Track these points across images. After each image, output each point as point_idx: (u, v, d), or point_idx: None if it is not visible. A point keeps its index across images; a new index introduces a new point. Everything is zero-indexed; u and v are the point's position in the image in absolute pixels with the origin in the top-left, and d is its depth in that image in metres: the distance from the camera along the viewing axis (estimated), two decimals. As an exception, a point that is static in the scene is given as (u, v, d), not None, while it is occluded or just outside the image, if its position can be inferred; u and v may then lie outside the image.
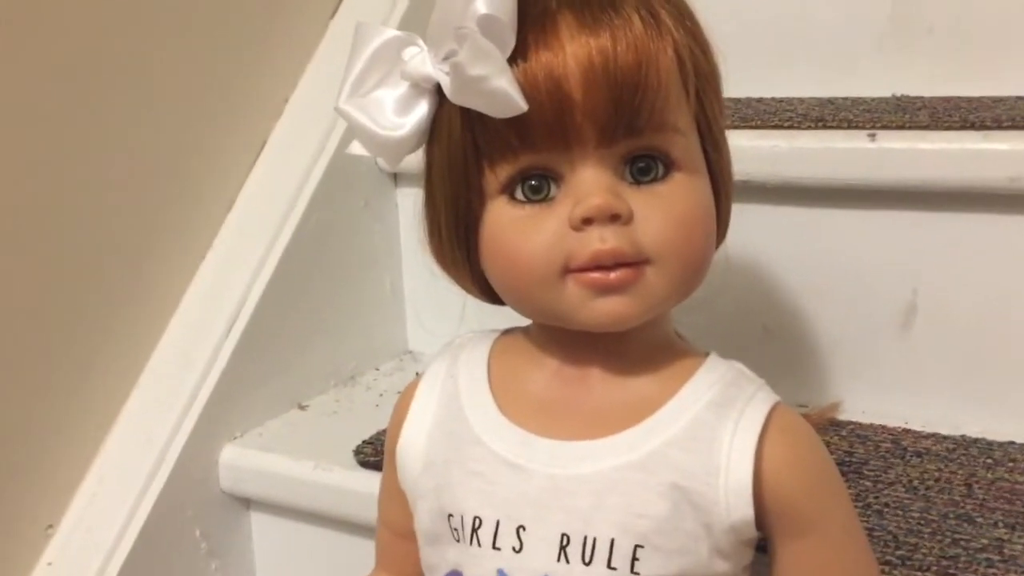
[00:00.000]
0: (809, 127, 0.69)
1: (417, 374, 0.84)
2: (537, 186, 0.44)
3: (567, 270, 0.43)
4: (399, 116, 0.45)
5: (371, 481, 0.64)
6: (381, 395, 0.79)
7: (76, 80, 0.68)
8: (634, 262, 0.43)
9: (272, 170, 0.80)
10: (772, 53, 0.86)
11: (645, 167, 0.44)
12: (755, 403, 0.45)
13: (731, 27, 0.79)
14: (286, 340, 0.77)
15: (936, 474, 0.61)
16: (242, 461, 0.71)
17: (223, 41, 0.77)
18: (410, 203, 0.84)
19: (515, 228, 0.44)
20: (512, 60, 0.42)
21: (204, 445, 0.71)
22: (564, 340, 0.47)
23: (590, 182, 0.43)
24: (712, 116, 0.46)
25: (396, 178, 0.85)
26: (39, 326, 0.67)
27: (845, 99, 0.80)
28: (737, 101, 0.82)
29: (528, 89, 0.42)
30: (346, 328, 0.83)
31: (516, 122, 0.42)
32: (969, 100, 0.75)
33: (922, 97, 0.78)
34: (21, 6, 0.65)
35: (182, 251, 0.75)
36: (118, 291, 0.71)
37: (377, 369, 0.84)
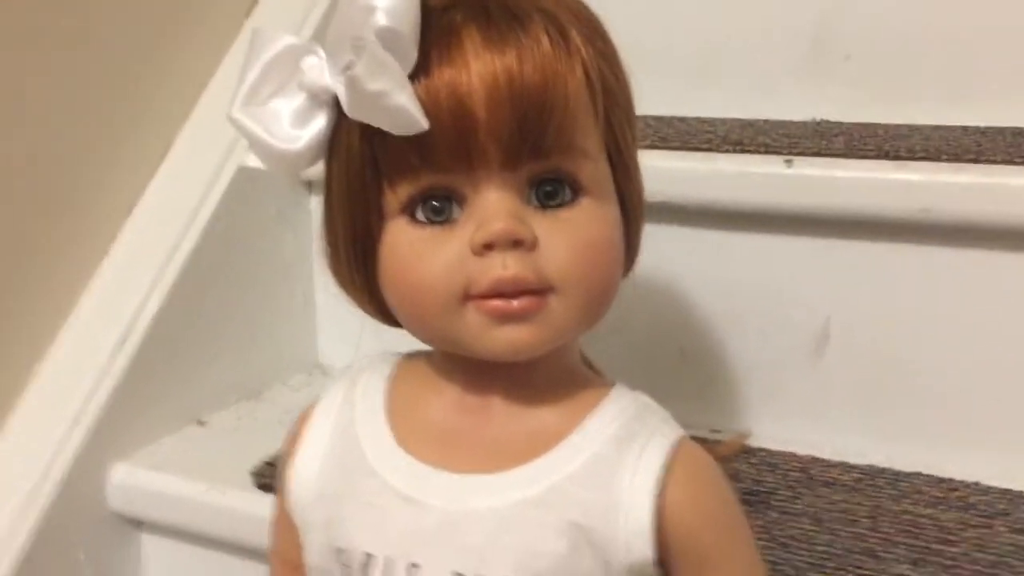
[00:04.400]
0: (727, 150, 0.69)
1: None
2: (439, 207, 0.42)
3: (467, 296, 0.41)
4: (295, 128, 0.43)
5: (269, 504, 0.61)
6: (287, 412, 0.76)
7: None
8: (537, 290, 0.41)
9: (177, 173, 0.77)
10: (694, 72, 0.86)
11: (552, 191, 0.42)
12: (657, 438, 0.43)
13: (654, 44, 0.80)
14: (187, 352, 0.74)
15: (843, 505, 0.60)
16: (132, 480, 0.67)
17: (129, 33, 0.74)
18: (324, 212, 0.81)
19: (414, 251, 0.42)
20: (414, 76, 0.40)
21: (92, 462, 0.67)
22: (466, 367, 0.45)
23: (493, 205, 0.41)
24: (623, 140, 0.45)
25: (311, 186, 0.83)
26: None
27: (765, 122, 0.80)
28: (659, 119, 0.81)
29: (430, 107, 0.40)
30: (253, 340, 0.80)
31: (417, 140, 0.40)
32: (885, 128, 0.75)
33: (840, 123, 0.78)
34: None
35: (75, 256, 0.72)
36: (3, 297, 0.67)
37: (285, 384, 0.81)
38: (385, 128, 0.40)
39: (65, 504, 0.65)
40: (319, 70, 0.42)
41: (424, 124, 0.39)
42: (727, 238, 0.69)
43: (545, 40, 0.41)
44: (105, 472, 0.68)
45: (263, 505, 0.61)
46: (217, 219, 0.75)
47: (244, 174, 0.77)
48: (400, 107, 0.39)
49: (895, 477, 0.64)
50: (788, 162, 0.66)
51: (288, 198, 0.81)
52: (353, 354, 0.84)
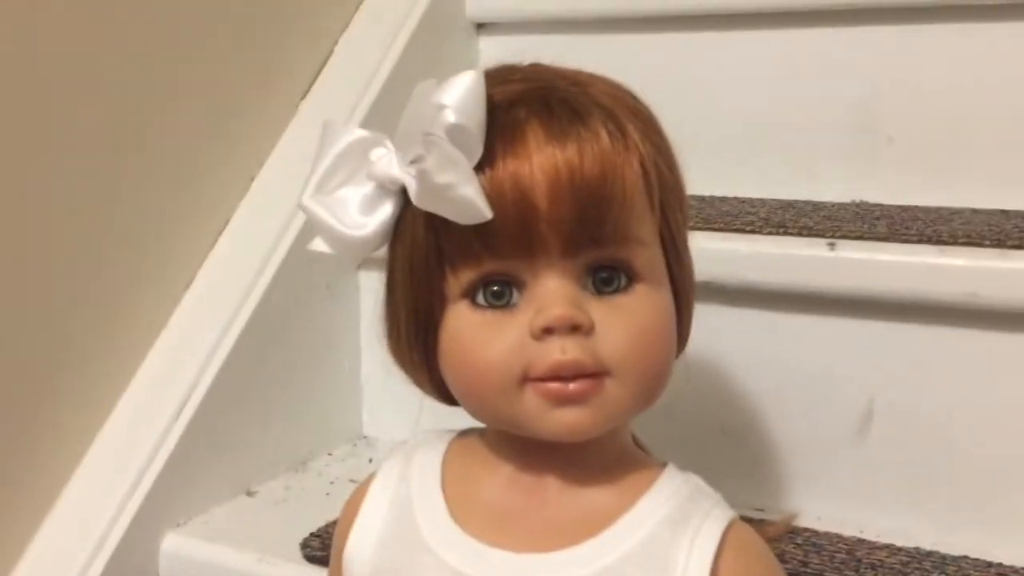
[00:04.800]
0: (770, 232, 0.70)
1: (371, 461, 0.84)
2: (499, 292, 0.44)
3: (526, 379, 0.43)
4: (363, 215, 0.45)
5: (317, 577, 0.62)
6: (332, 482, 0.78)
7: (32, 148, 0.67)
8: (594, 373, 0.43)
9: (234, 249, 0.79)
10: (736, 153, 0.88)
11: (608, 278, 0.44)
12: (711, 520, 0.44)
13: (696, 125, 0.82)
14: (238, 423, 0.76)
15: (890, 589, 0.60)
16: (184, 550, 0.68)
17: (191, 115, 0.77)
18: (372, 286, 0.83)
19: (475, 334, 0.44)
20: (479, 168, 0.42)
21: (146, 532, 0.68)
22: (520, 447, 0.46)
23: (552, 291, 0.43)
24: (675, 228, 0.46)
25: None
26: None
27: (806, 203, 0.81)
28: (701, 200, 0.83)
29: (494, 197, 0.42)
30: (300, 411, 0.81)
31: (481, 229, 0.42)
32: (926, 211, 0.76)
33: (881, 205, 0.80)
34: None
35: (135, 328, 0.74)
36: (64, 367, 0.69)
37: (330, 454, 0.83)
38: (451, 218, 0.42)
39: (118, 574, 0.66)
40: (387, 161, 0.44)
41: (488, 214, 0.41)
42: (769, 318, 0.70)
43: (604, 135, 0.43)
44: (157, 542, 0.69)
45: (312, 577, 0.63)
46: (271, 293, 0.77)
47: (296, 251, 0.79)
48: (466, 198, 0.41)
49: (942, 560, 0.63)
50: (831, 245, 0.67)
51: (337, 272, 0.84)
52: (397, 426, 0.85)
